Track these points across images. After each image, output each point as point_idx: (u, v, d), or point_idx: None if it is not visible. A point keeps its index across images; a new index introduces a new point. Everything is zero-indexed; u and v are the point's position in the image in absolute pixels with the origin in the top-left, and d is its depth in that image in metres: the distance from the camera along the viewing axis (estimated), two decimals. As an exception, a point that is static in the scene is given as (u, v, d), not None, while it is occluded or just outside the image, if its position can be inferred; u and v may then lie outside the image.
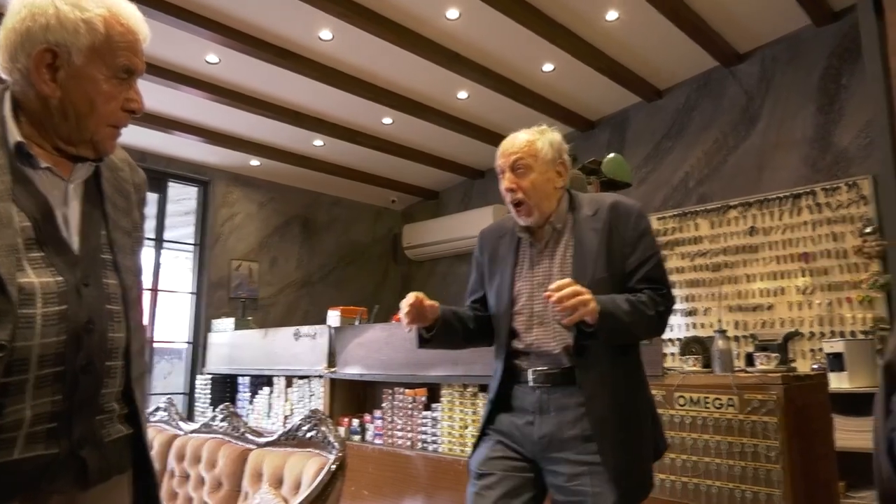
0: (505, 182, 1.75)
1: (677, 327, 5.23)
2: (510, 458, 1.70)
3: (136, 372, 1.12)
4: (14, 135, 1.02)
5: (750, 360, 2.40)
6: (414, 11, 4.38)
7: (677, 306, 5.19)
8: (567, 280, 1.55)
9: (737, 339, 4.74)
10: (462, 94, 5.53)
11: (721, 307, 4.98)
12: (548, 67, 5.19)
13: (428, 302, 1.72)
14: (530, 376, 1.70)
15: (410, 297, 1.69)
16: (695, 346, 2.45)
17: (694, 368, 2.36)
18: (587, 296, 1.52)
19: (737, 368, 2.36)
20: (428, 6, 4.34)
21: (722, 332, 2.34)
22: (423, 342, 1.83)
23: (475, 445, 1.81)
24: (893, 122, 3.03)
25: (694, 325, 5.16)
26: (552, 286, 1.53)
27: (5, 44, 1.03)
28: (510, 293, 1.76)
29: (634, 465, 1.63)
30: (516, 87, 5.43)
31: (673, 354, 4.56)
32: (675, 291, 5.17)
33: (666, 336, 4.97)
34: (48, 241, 1.01)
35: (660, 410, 2.24)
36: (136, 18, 1.09)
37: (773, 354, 2.23)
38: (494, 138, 6.29)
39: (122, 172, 1.20)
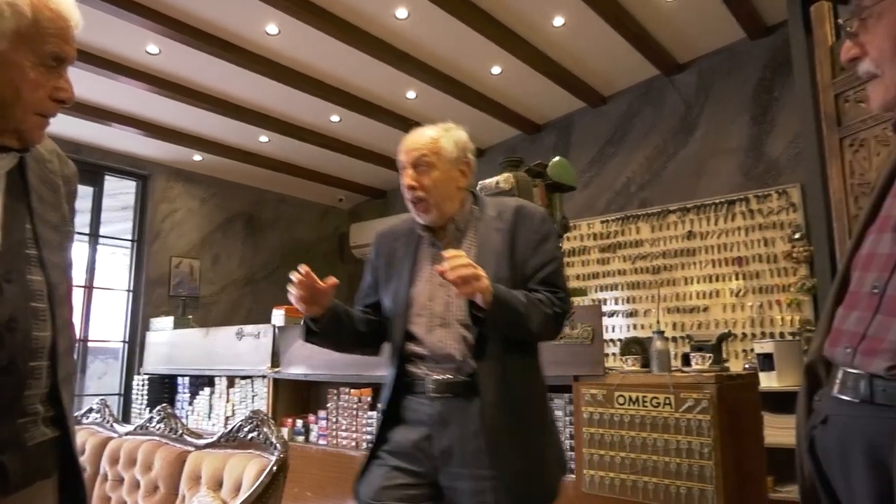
0: (406, 179, 1.69)
1: (618, 328, 5.37)
2: (407, 485, 1.58)
3: (63, 372, 1.08)
4: None
5: (686, 360, 2.48)
6: (362, 9, 4.36)
7: (619, 307, 5.39)
8: (461, 252, 1.51)
9: (674, 339, 4.90)
10: (411, 94, 5.53)
11: (660, 309, 5.14)
12: (496, 70, 5.25)
13: (321, 284, 1.59)
14: (429, 385, 1.60)
15: (302, 269, 1.55)
16: (634, 347, 2.52)
17: (633, 368, 2.43)
18: (482, 272, 1.47)
19: (674, 368, 2.44)
20: (376, 4, 4.32)
21: (660, 332, 2.42)
22: (311, 335, 1.69)
23: (365, 467, 1.66)
24: (821, 134, 3.20)
25: (634, 326, 5.31)
26: (445, 253, 1.48)
27: None
28: (408, 294, 1.67)
29: (539, 476, 1.57)
30: (465, 89, 5.47)
31: (614, 354, 4.68)
32: (617, 293, 5.40)
33: (607, 336, 5.10)
34: None
35: (600, 409, 2.30)
36: (66, 4, 1.05)
37: (708, 355, 2.32)
38: (443, 139, 6.31)
39: (49, 164, 1.16)
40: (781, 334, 4.54)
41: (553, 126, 6.33)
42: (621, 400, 2.26)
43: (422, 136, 1.73)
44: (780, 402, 3.37)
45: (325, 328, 1.67)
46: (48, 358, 1.05)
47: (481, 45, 4.74)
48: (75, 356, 1.21)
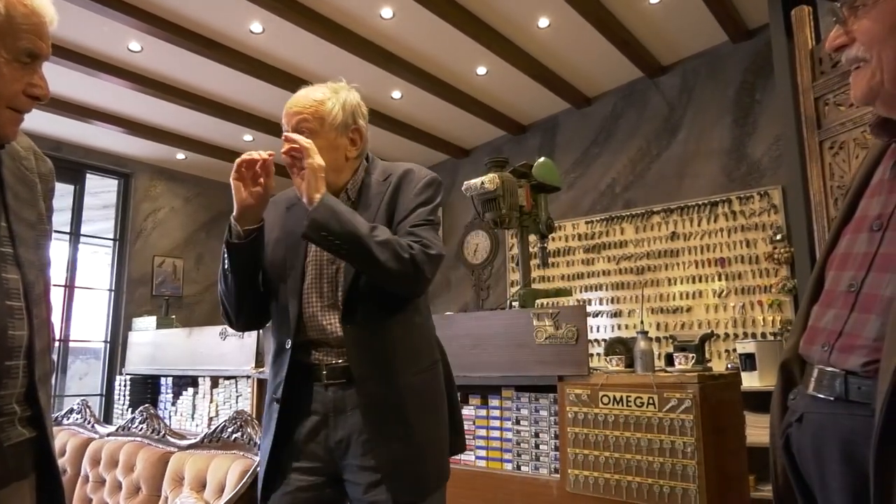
0: (285, 145, 1.45)
1: (602, 328, 5.41)
2: (310, 486, 1.44)
3: (40, 372, 1.07)
4: None
5: (670, 360, 2.50)
6: (347, 8, 4.34)
7: (603, 308, 5.43)
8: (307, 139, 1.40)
9: (658, 339, 4.94)
10: (396, 94, 5.52)
11: (644, 309, 5.19)
12: (481, 71, 5.26)
13: (270, 182, 1.45)
14: (323, 371, 1.44)
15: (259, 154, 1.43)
16: (618, 347, 2.53)
17: (617, 368, 2.45)
18: (319, 161, 1.38)
19: (657, 368, 2.46)
20: (362, 4, 4.31)
21: (644, 333, 2.44)
22: (233, 246, 1.46)
23: (269, 472, 1.47)
24: (801, 136, 3.24)
25: (618, 327, 5.35)
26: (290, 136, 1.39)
27: None
28: (302, 269, 1.49)
29: (422, 458, 1.44)
30: (450, 89, 5.47)
31: (598, 355, 4.70)
32: (602, 293, 5.43)
33: (591, 336, 5.13)
34: None
35: (584, 409, 2.31)
36: (41, 0, 1.04)
37: (691, 355, 2.34)
38: (429, 139, 6.32)
39: (26, 161, 1.14)
40: (763, 334, 4.60)
41: (538, 127, 6.35)
42: (606, 400, 2.27)
43: (305, 98, 1.51)
44: (762, 401, 3.41)
45: (248, 249, 1.47)
46: (25, 357, 1.03)
47: (467, 45, 4.75)
48: (54, 356, 1.19)
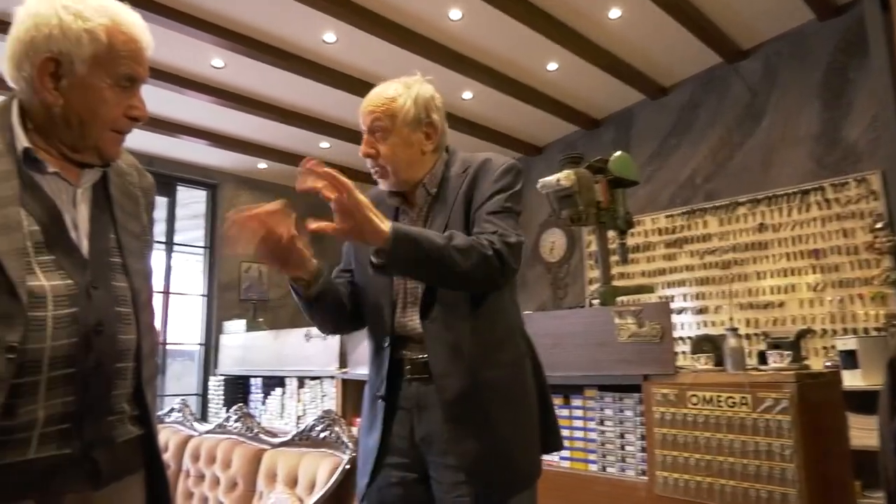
0: (362, 146, 1.49)
1: (687, 325, 5.22)
2: (401, 482, 1.44)
3: (147, 373, 1.13)
4: (21, 141, 1.03)
5: (762, 358, 2.39)
6: (417, 13, 4.39)
7: (687, 304, 5.24)
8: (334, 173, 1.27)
9: (748, 337, 4.72)
10: (467, 95, 5.53)
11: (732, 305, 4.97)
12: (552, 66, 5.20)
13: (281, 231, 1.35)
14: (407, 366, 1.45)
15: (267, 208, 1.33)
16: (706, 345, 2.44)
17: (706, 367, 2.36)
18: (366, 205, 1.26)
19: (749, 367, 2.36)
20: (430, 7, 4.35)
21: (734, 329, 2.34)
22: (307, 304, 1.45)
23: (374, 469, 1.47)
24: (902, 116, 3.02)
25: (704, 324, 5.15)
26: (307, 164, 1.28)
27: (11, 53, 1.04)
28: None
29: (505, 457, 1.39)
30: (521, 87, 5.43)
31: (684, 353, 4.56)
32: (685, 289, 5.26)
33: (675, 334, 4.97)
34: (57, 245, 1.02)
35: (672, 410, 2.24)
36: (138, 27, 1.10)
37: (786, 352, 2.23)
38: (500, 138, 6.31)
39: (129, 177, 1.22)
40: (865, 330, 4.31)
41: (612, 120, 6.21)
42: (694, 400, 2.20)
43: (377, 97, 1.50)
44: (866, 401, 3.21)
45: (321, 296, 1.45)
46: (133, 360, 1.10)
47: (536, 41, 4.70)
48: (158, 358, 1.27)
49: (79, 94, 1.04)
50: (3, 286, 0.93)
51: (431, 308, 1.43)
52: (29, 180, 1.02)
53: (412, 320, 1.46)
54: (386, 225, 1.28)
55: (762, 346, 2.78)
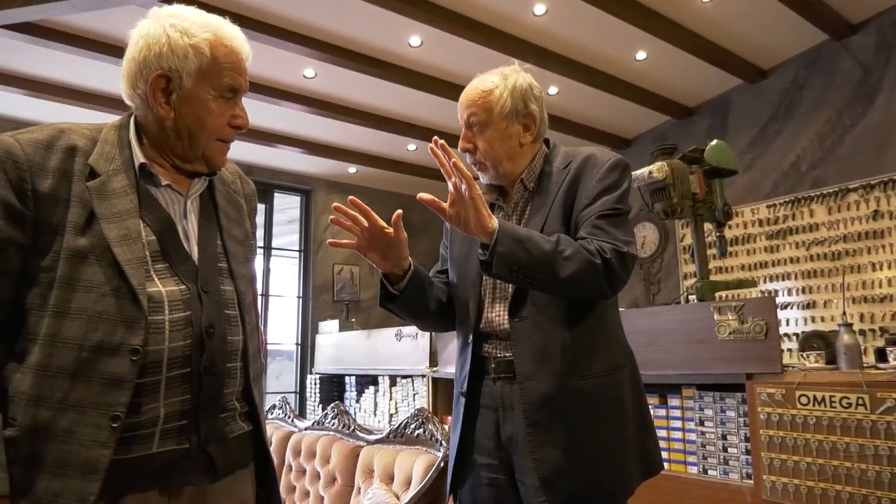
0: (460, 141, 1.47)
1: (793, 321, 4.91)
2: (492, 483, 1.41)
3: (254, 372, 1.19)
4: (138, 157, 1.12)
5: (881, 355, 2.21)
6: (500, 10, 4.38)
7: (792, 299, 4.93)
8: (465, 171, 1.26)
9: (863, 332, 4.39)
10: (553, 90, 5.46)
11: (844, 299, 4.63)
12: (641, 56, 5.04)
13: (382, 225, 1.38)
14: (491, 364, 1.41)
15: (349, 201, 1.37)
16: (816, 342, 2.29)
17: (816, 365, 2.21)
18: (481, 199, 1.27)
19: (866, 364, 2.19)
20: (514, 3, 4.32)
21: (848, 325, 2.18)
22: (388, 299, 1.45)
23: (456, 466, 1.48)
24: None
25: (812, 319, 4.83)
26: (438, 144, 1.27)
27: (127, 73, 1.13)
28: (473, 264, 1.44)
29: (589, 470, 1.32)
30: (608, 79, 5.30)
31: (790, 350, 4.29)
32: (790, 283, 4.96)
33: (782, 331, 4.69)
34: (171, 253, 1.10)
35: (779, 410, 2.12)
36: (238, 40, 1.16)
37: (908, 349, 2.06)
38: (587, 132, 6.18)
39: (233, 185, 1.29)
40: None
41: (706, 108, 5.94)
42: (804, 400, 2.07)
43: (473, 90, 1.48)
44: None
45: (407, 293, 1.44)
46: (241, 359, 1.16)
47: (624, 31, 4.57)
48: (262, 358, 1.33)
49: (187, 106, 1.11)
50: (126, 293, 1.02)
51: (522, 306, 1.39)
52: (145, 193, 1.11)
53: (500, 316, 1.43)
54: (493, 221, 1.28)
55: (879, 343, 2.58)
